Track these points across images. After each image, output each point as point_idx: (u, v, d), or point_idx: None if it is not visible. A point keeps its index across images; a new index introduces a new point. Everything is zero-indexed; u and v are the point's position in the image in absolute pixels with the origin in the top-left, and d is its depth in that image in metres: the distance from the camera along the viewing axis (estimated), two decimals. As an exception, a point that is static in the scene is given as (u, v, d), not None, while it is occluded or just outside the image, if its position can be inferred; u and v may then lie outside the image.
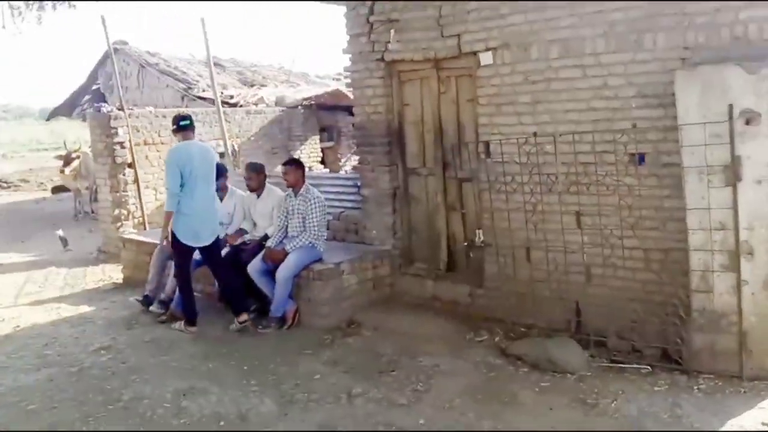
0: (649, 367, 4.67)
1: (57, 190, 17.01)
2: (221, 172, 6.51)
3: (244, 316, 5.81)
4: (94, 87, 16.23)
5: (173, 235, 5.64)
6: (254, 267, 5.99)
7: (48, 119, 21.18)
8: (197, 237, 5.75)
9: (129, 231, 9.33)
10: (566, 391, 4.38)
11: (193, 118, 10.59)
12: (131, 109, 10.01)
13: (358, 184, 6.80)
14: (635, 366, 4.70)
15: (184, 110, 9.61)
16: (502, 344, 5.22)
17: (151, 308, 6.25)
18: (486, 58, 5.51)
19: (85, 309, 6.67)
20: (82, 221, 12.97)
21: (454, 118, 6.02)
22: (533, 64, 5.28)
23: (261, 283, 6.00)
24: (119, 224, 9.50)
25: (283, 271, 5.82)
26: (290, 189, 6.14)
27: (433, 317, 5.88)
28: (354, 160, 14.03)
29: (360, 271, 6.17)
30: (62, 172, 12.68)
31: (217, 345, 5.54)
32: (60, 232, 10.52)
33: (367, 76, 6.42)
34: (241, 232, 6.50)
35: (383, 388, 4.55)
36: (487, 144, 5.39)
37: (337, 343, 5.46)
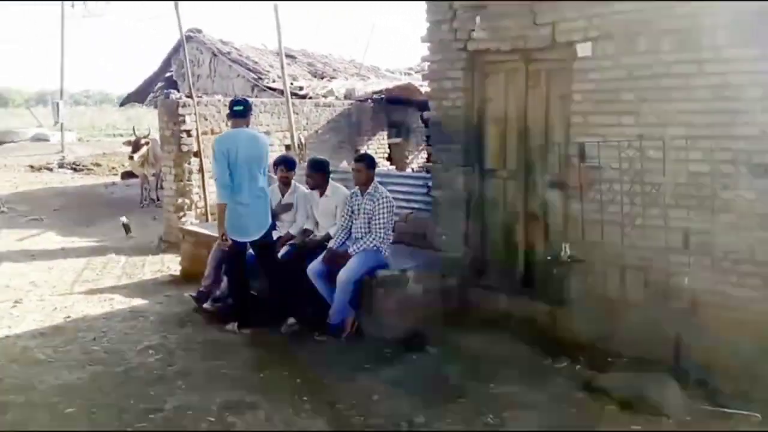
0: (758, 415, 3.97)
1: (126, 175, 17.18)
2: (291, 165, 6.14)
3: (292, 320, 5.47)
4: (167, 74, 16.27)
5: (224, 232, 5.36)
6: (314, 269, 5.56)
7: (122, 105, 21.55)
8: (244, 231, 5.44)
9: (191, 222, 9.14)
10: (665, 439, 3.76)
11: (262, 108, 10.52)
12: (200, 96, 9.80)
13: (429, 184, 6.27)
14: (743, 413, 4.00)
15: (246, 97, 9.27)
16: (585, 374, 4.59)
17: (204, 306, 5.91)
18: (584, 49, 4.87)
19: (138, 302, 6.41)
20: (148, 208, 12.94)
21: (543, 116, 5.41)
22: (640, 58, 4.61)
23: (320, 286, 5.57)
24: (182, 214, 9.31)
25: (345, 275, 5.36)
26: (357, 186, 5.68)
27: (506, 336, 5.28)
28: (422, 158, 13.57)
29: (427, 279, 5.63)
30: (131, 158, 12.70)
31: (272, 352, 5.15)
32: (123, 219, 10.45)
33: (446, 67, 5.87)
34: (306, 232, 6.07)
35: (449, 418, 4.03)
36: (582, 146, 4.75)
37: (399, 360, 4.95)
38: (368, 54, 31.04)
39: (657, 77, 4.56)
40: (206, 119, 9.54)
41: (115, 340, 5.31)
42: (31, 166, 19.71)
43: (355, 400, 4.25)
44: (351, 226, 5.71)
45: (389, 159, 12.53)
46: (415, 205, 6.50)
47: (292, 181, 6.30)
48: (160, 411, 4.08)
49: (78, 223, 11.69)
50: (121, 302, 6.39)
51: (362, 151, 11.08)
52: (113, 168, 19.99)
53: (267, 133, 10.39)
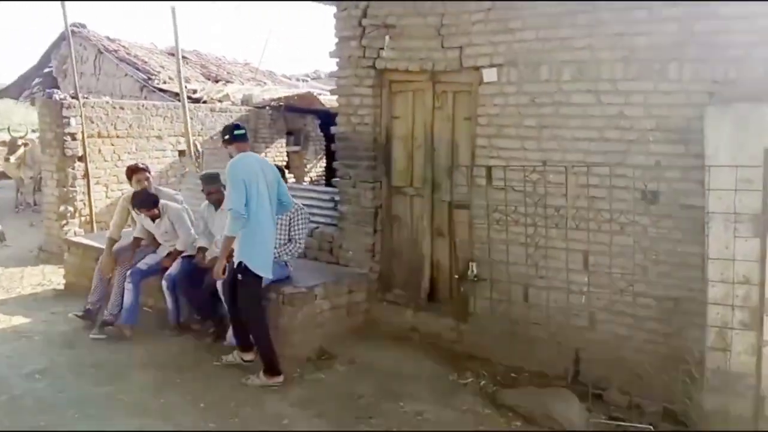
0: (651, 427, 4.26)
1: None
2: (154, 202, 5.84)
3: (251, 355, 5.01)
4: (46, 70, 15.22)
5: (243, 269, 4.68)
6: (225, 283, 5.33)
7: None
8: (269, 268, 4.83)
9: (74, 231, 8.58)
10: (568, 454, 3.94)
11: (154, 111, 10.06)
12: (86, 97, 9.22)
13: (336, 199, 6.25)
14: (636, 426, 4.28)
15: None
16: (490, 389, 4.74)
17: (91, 335, 5.53)
18: (490, 74, 5.05)
19: (20, 320, 5.92)
20: (23, 214, 12.00)
21: (449, 136, 5.54)
22: (542, 86, 4.84)
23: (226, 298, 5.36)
24: (64, 222, 8.71)
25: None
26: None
27: (413, 352, 5.36)
28: (320, 167, 13.51)
29: (334, 296, 5.60)
30: (7, 160, 11.71)
31: (170, 372, 4.90)
32: (-2, 226, 9.62)
33: (355, 83, 5.88)
34: (201, 251, 5.81)
35: (362, 439, 4.02)
36: (489, 169, 4.90)
37: (308, 379, 4.88)
38: (264, 59, 30.58)
39: (557, 104, 4.80)
40: (92, 122, 8.98)
41: (-4, 365, 4.87)
42: None
43: (264, 425, 4.14)
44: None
45: (287, 167, 12.34)
46: (321, 220, 6.44)
47: (159, 205, 5.94)
48: (52, 445, 3.79)
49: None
50: (1, 321, 5.87)
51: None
52: (-20, 168, 18.40)
53: (159, 137, 9.98)
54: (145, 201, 5.82)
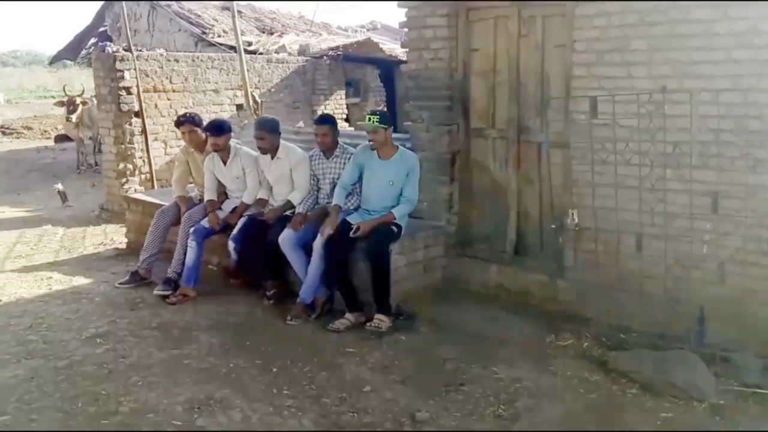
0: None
1: (60, 139, 15.93)
2: (223, 129, 5.38)
3: (363, 316, 4.71)
4: (101, 29, 15.00)
5: (398, 227, 4.82)
6: (288, 239, 4.92)
7: (51, 63, 19.99)
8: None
9: (134, 188, 8.31)
10: (698, 426, 3.36)
11: (210, 63, 9.63)
12: (140, 50, 8.85)
13: (408, 146, 5.67)
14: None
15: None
16: (595, 352, 4.17)
17: (155, 291, 5.21)
18: (590, -9, 4.34)
19: (81, 281, 5.64)
20: (85, 174, 11.96)
21: (538, 68, 4.87)
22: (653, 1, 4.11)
23: (294, 258, 4.94)
24: (124, 180, 8.45)
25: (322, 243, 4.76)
26: (321, 150, 5.10)
27: (500, 312, 4.82)
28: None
29: (410, 251, 5.09)
30: (68, 119, 11.59)
31: (238, 334, 4.52)
32: (59, 186, 9.49)
33: (427, 13, 5.25)
34: (261, 202, 5.39)
35: (455, 410, 3.52)
36: (594, 100, 4.21)
37: (387, 341, 4.42)
38: (318, 10, 29.88)
39: (673, 22, 4.07)
40: (147, 75, 8.62)
41: (56, 328, 4.58)
42: None
43: (343, 393, 3.70)
44: (317, 192, 5.15)
45: (347, 120, 11.82)
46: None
47: (231, 145, 5.53)
48: (115, 414, 3.43)
49: (7, 191, 10.65)
50: (60, 281, 5.61)
51: (321, 112, 10.35)
52: (45, 131, 18.62)
53: (215, 91, 9.58)
54: (218, 126, 5.41)
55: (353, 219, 4.83)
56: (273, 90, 10.67)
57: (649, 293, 4.13)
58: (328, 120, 5.07)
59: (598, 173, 4.24)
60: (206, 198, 5.57)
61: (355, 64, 12.02)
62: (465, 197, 5.38)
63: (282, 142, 5.36)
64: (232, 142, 5.53)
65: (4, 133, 18.75)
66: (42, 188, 10.57)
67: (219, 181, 5.62)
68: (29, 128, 19.21)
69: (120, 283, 5.47)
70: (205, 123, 5.59)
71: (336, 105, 11.70)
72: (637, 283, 4.14)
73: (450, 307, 4.92)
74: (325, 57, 11.59)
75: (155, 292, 5.20)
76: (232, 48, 11.87)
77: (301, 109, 11.09)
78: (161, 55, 8.98)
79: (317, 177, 5.19)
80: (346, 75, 11.83)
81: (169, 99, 9.02)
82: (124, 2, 10.62)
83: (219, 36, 12.63)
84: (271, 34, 13.67)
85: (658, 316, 4.08)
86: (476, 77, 5.24)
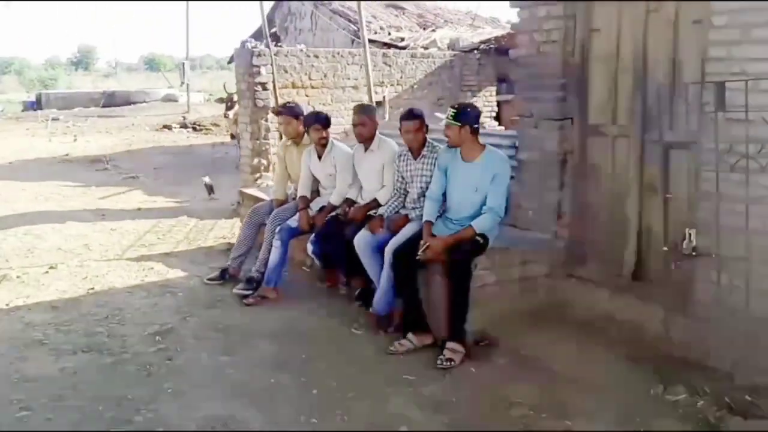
0: None
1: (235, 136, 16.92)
2: (329, 120, 5.06)
3: (430, 338, 4.15)
4: (272, 30, 15.65)
5: (484, 238, 4.12)
6: (362, 240, 4.48)
7: (229, 63, 21.38)
8: None
9: (267, 184, 8.35)
10: None
11: (350, 59, 9.48)
12: (279, 45, 8.91)
13: (517, 144, 4.94)
14: None
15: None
16: (711, 413, 3.20)
17: (234, 290, 5.03)
18: (733, -54, 3.34)
19: (177, 274, 5.65)
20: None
21: (669, 50, 3.92)
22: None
23: (368, 262, 4.49)
24: (258, 176, 8.55)
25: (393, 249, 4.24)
26: (408, 150, 4.54)
27: (603, 348, 3.94)
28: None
29: (503, 267, 4.37)
30: (226, 116, 12.18)
31: (299, 345, 4.17)
32: (206, 179, 9.88)
33: (539, -12, 4.49)
34: (348, 201, 5.00)
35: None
36: (721, 88, 3.24)
37: (452, 372, 3.78)
38: (487, 5, 28.96)
39: None
40: (286, 71, 8.66)
41: (127, 320, 4.55)
42: (165, 126, 20.10)
43: (375, 429, 3.16)
44: (406, 193, 4.59)
45: (497, 118, 11.06)
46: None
47: (330, 137, 5.19)
48: (127, 424, 3.21)
49: (171, 182, 11.38)
50: (158, 273, 5.66)
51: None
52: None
53: (355, 87, 9.37)
54: (324, 117, 5.19)
55: (434, 229, 4.24)
56: (416, 86, 10.27)
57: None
58: (415, 115, 4.50)
59: (724, 182, 3.24)
60: (299, 194, 5.31)
61: (509, 57, 11.20)
62: (578, 207, 4.54)
63: (378, 134, 4.92)
64: (331, 139, 5.21)
65: (195, 129, 20.49)
66: (201, 181, 11.14)
67: (315, 178, 5.33)
68: (217, 125, 20.76)
69: (209, 279, 5.38)
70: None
71: (485, 102, 11.00)
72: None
73: (543, 338, 4.13)
74: (475, 51, 10.94)
75: (234, 290, 5.04)
76: (387, 45, 11.70)
77: (445, 107, 10.53)
78: (301, 50, 8.98)
79: (404, 179, 4.67)
80: (497, 70, 11.07)
81: (307, 95, 9.01)
82: (289, 3, 10.81)
83: (375, 33, 12.51)
84: (425, 28, 13.29)
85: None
86: (596, 63, 4.38)
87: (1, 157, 13.72)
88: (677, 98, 3.79)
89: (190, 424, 3.21)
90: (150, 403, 3.40)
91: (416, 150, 4.52)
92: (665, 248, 3.61)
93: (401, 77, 9.98)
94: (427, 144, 4.53)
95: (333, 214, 4.97)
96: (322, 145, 5.13)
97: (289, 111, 5.46)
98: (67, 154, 14.55)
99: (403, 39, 11.66)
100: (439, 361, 3.86)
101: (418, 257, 4.02)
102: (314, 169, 5.30)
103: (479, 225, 4.03)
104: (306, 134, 5.32)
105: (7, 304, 4.85)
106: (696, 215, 3.57)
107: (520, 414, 3.30)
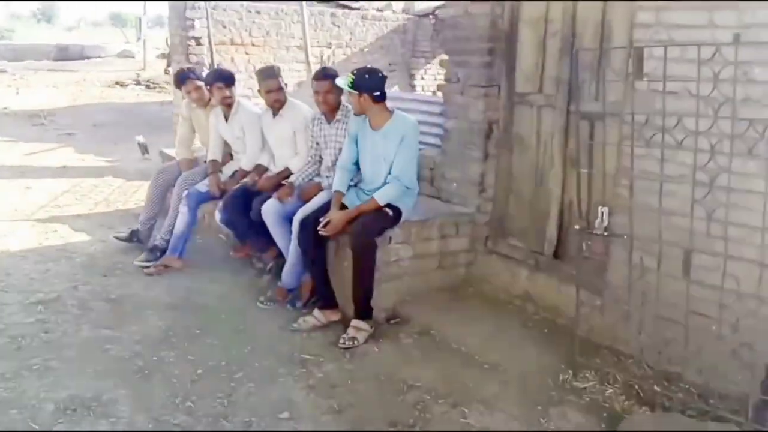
0: None
1: (188, 94, 16.30)
2: (233, 78, 4.70)
3: (336, 315, 3.93)
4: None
5: (395, 210, 3.83)
6: (270, 209, 4.17)
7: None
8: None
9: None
10: None
11: (295, 17, 9.01)
12: (217, -1, 8.41)
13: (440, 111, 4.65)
14: None
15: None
16: (619, 405, 3.01)
17: (135, 261, 4.68)
18: None
19: (81, 237, 5.28)
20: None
21: (599, 13, 3.64)
22: None
23: (277, 232, 4.20)
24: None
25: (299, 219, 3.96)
26: (321, 113, 4.21)
27: (517, 329, 3.74)
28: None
29: (420, 240, 4.11)
30: (167, 72, 11.63)
31: (197, 320, 3.87)
32: (140, 138, 9.39)
33: (469, -57, 4.15)
34: (260, 168, 4.67)
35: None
36: (639, 54, 2.98)
37: (353, 352, 3.53)
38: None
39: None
40: (225, 26, 8.18)
41: (12, 287, 4.20)
42: (118, 83, 19.25)
43: (253, 418, 2.90)
44: (320, 160, 4.29)
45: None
46: (429, 140, 4.88)
47: (237, 98, 4.83)
48: (-17, 402, 2.89)
49: (108, 140, 10.83)
50: (61, 236, 5.28)
51: (421, 77, 9.40)
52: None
53: (300, 47, 8.94)
54: (228, 75, 4.82)
55: (345, 200, 3.95)
56: (366, 50, 9.88)
57: (700, 331, 2.87)
58: (327, 75, 4.15)
59: (643, 158, 3.00)
60: (209, 158, 4.96)
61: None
62: (502, 180, 4.28)
63: (289, 98, 4.58)
64: (237, 96, 4.84)
65: (148, 87, 19.70)
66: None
67: (225, 141, 4.98)
68: (170, 83, 20.02)
69: (116, 236, 5.04)
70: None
71: (438, 70, 10.64)
72: (684, 316, 2.89)
73: (457, 316, 3.90)
74: (430, 16, 10.56)
75: (135, 262, 4.68)
76: (342, 6, 11.22)
77: (397, 72, 10.21)
78: (241, 5, 8.49)
79: (318, 144, 4.34)
80: (452, 36, 10.71)
81: (247, 53, 8.57)
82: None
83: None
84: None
85: (712, 365, 2.83)
86: (525, 27, 4.08)
87: (-69, 107, 12.97)
88: (604, 66, 3.52)
89: (49, 405, 2.90)
90: (11, 380, 3.09)
91: (329, 114, 4.19)
92: (576, 227, 3.37)
93: (350, 39, 9.58)
94: (341, 107, 4.20)
95: (241, 183, 4.63)
96: (227, 105, 4.76)
97: (194, 77, 5.05)
98: (5, 108, 13.82)
99: (357, -1, 11.19)
100: (341, 340, 3.60)
101: (318, 231, 3.73)
102: (222, 132, 4.94)
103: (382, 196, 3.74)
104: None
105: None
106: (616, 192, 3.33)
107: (415, 399, 3.07)
